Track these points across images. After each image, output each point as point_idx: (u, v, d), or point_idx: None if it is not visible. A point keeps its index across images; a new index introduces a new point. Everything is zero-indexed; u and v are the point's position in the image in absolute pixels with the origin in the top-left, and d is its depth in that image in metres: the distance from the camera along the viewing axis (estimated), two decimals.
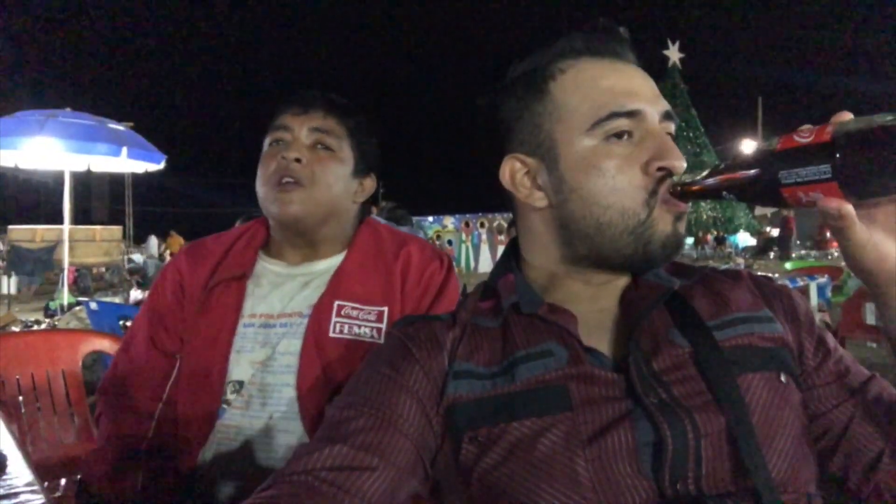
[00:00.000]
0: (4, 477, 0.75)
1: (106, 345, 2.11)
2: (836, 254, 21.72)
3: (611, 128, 0.72)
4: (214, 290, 1.19)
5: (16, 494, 0.70)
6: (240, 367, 1.14)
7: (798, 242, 27.78)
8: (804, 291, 4.81)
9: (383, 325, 1.17)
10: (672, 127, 0.75)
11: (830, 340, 0.78)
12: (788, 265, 7.55)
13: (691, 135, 28.92)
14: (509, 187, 0.79)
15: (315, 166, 1.17)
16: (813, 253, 23.63)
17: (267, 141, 1.22)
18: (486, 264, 18.06)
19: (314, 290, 1.20)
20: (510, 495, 0.64)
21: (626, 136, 0.73)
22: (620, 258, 0.75)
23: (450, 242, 17.54)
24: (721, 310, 0.75)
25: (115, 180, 24.01)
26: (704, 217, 28.34)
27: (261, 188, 1.20)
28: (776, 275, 6.01)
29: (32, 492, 0.71)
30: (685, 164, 0.72)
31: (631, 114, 0.73)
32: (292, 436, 1.09)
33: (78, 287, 10.05)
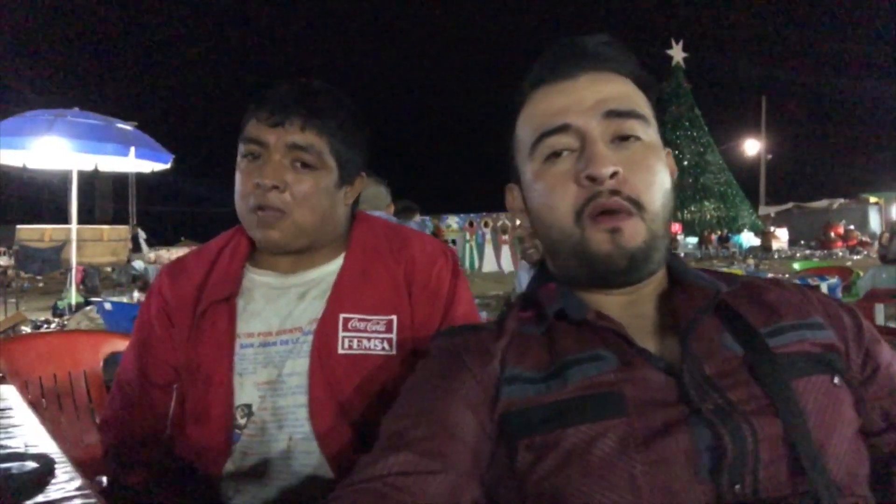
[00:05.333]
0: (54, 482, 0.74)
1: (125, 346, 2.11)
2: (840, 254, 21.71)
3: (544, 148, 0.77)
4: (205, 314, 1.09)
5: (69, 499, 0.69)
6: (244, 390, 1.07)
7: (802, 243, 27.76)
8: None
9: (393, 336, 1.08)
10: (624, 124, 0.75)
11: (885, 354, 0.77)
12: (797, 265, 7.51)
13: (695, 134, 28.99)
14: (511, 211, 0.89)
15: (295, 189, 1.05)
16: (817, 253, 23.60)
17: (240, 150, 1.09)
18: (490, 264, 18.09)
19: (312, 301, 1.11)
20: (568, 501, 0.64)
21: (565, 154, 0.76)
22: (583, 277, 0.78)
23: (454, 242, 17.53)
24: (770, 317, 0.75)
25: (119, 179, 24.12)
26: (708, 216, 28.38)
27: (238, 206, 1.10)
28: (786, 275, 5.98)
29: (84, 496, 0.70)
30: (606, 170, 0.71)
31: (559, 129, 0.76)
32: (312, 457, 1.04)
33: (85, 286, 10.07)
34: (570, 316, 0.75)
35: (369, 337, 1.08)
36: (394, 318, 1.09)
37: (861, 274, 6.23)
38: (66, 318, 6.54)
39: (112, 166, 6.69)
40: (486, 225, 19.57)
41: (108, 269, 13.98)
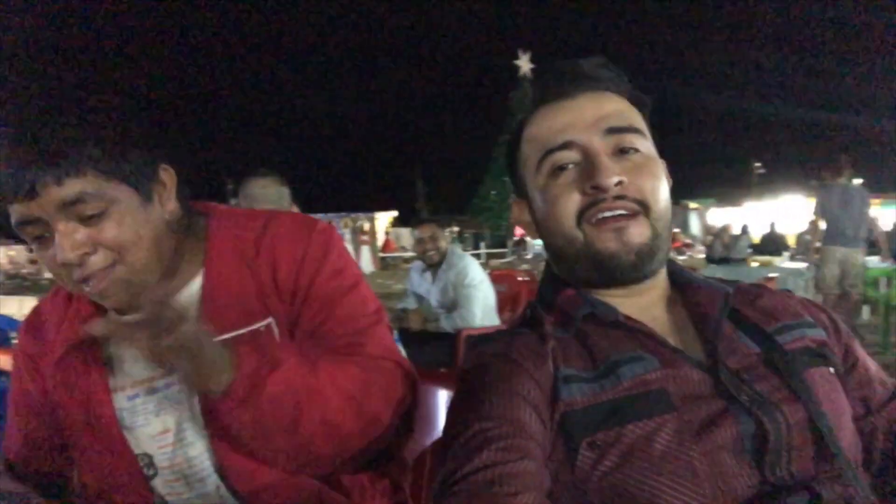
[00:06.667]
0: None
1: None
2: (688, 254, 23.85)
3: (550, 164, 0.83)
4: (68, 366, 0.97)
5: None
6: (140, 442, 0.97)
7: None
8: None
9: (276, 341, 0.96)
10: (623, 138, 0.81)
11: (859, 348, 0.87)
12: None
13: None
14: (518, 224, 0.93)
15: (104, 240, 0.86)
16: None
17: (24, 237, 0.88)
18: None
19: None
20: (632, 495, 0.67)
21: (570, 166, 0.81)
22: (591, 278, 0.83)
23: None
24: (771, 318, 0.82)
25: None
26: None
27: (64, 286, 0.92)
28: None
29: None
30: (611, 180, 0.77)
31: (563, 146, 0.82)
32: (239, 497, 0.95)
33: None
34: (602, 318, 0.80)
35: None
36: (270, 321, 0.96)
37: None
38: None
39: None
40: (345, 226, 19.35)
41: None
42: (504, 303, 3.77)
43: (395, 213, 28.06)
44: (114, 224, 0.87)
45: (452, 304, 3.45)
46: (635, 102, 0.87)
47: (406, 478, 1.15)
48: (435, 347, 3.21)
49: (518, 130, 0.90)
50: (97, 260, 0.86)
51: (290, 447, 0.89)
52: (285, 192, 2.48)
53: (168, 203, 0.95)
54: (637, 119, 0.85)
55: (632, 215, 0.78)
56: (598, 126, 0.81)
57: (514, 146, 0.91)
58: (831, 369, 0.79)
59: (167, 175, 0.96)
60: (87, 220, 0.85)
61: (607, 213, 0.78)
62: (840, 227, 5.20)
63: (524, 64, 31.59)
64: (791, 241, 11.24)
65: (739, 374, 0.74)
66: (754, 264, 7.26)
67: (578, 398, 0.73)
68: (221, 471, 0.95)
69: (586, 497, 0.69)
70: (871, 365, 0.86)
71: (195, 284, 0.98)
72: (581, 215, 0.80)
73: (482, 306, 3.42)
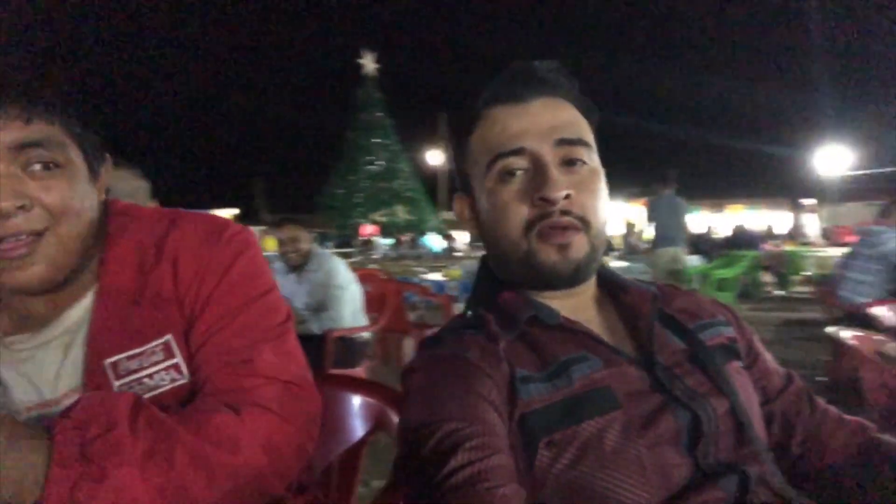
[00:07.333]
0: None
1: None
2: None
3: (499, 168, 0.83)
4: None
5: None
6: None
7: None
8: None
9: (177, 359, 0.87)
10: (573, 150, 0.83)
11: (758, 343, 0.94)
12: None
13: (387, 141, 30.83)
14: (460, 219, 0.93)
15: (47, 201, 0.78)
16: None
17: None
18: None
19: (81, 349, 0.86)
20: (587, 490, 0.70)
21: (519, 173, 0.83)
22: (529, 282, 0.86)
23: None
24: (690, 317, 0.89)
25: None
26: (400, 220, 30.51)
27: None
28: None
29: None
30: (560, 193, 0.80)
31: (515, 152, 0.82)
32: None
33: None
34: (544, 321, 0.82)
35: (149, 373, 0.85)
36: (169, 337, 0.86)
37: None
38: None
39: None
40: None
41: None
42: (371, 303, 3.74)
43: (235, 211, 26.70)
44: (64, 185, 0.80)
45: (320, 306, 3.36)
46: (584, 111, 0.89)
47: (312, 480, 1.08)
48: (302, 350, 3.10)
49: (467, 125, 0.89)
50: (30, 218, 0.77)
51: None
52: (144, 186, 2.26)
53: (101, 193, 0.90)
54: (586, 131, 0.87)
55: (574, 231, 0.81)
56: (550, 136, 0.83)
57: (462, 142, 0.91)
58: (741, 363, 0.87)
59: (106, 167, 0.91)
60: (35, 174, 0.78)
61: (554, 228, 0.81)
62: (668, 231, 5.92)
63: (368, 63, 31.57)
64: (617, 243, 12.35)
65: (671, 369, 0.80)
66: None
67: (536, 398, 0.75)
68: None
69: (543, 494, 0.71)
70: (767, 356, 0.93)
71: (86, 301, 0.88)
72: (529, 226, 0.82)
73: (351, 307, 3.38)
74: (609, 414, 0.73)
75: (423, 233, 30.52)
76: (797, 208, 15.95)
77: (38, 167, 0.78)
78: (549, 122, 0.84)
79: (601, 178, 0.86)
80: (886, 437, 0.85)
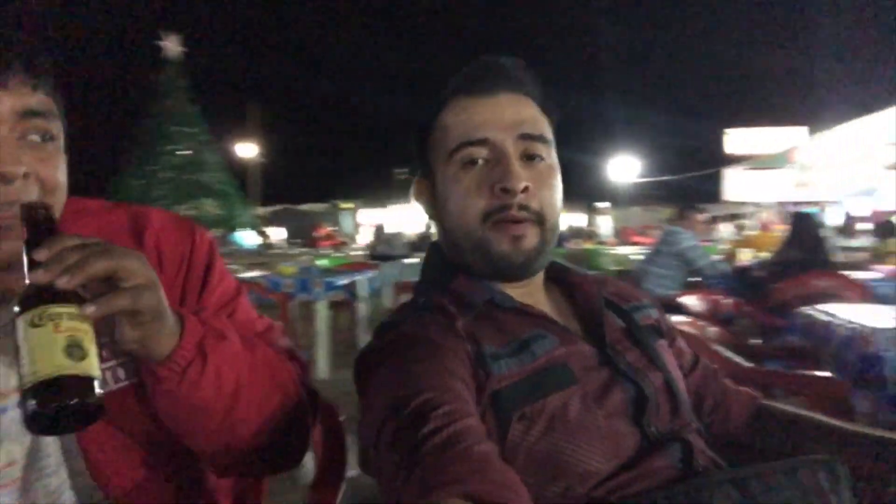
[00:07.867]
0: None
1: None
2: (330, 252, 24.66)
3: (462, 156, 0.89)
4: None
5: None
6: None
7: (299, 241, 30.53)
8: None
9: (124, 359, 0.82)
10: (533, 145, 0.89)
11: (673, 325, 1.06)
12: (326, 261, 8.10)
13: (193, 130, 28.38)
14: (418, 203, 0.98)
15: (45, 174, 0.75)
16: (307, 250, 26.28)
17: None
18: None
19: None
20: (554, 460, 0.77)
21: (480, 162, 0.88)
22: (482, 271, 0.91)
23: None
24: (623, 299, 1.00)
25: None
26: (208, 214, 28.33)
27: None
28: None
29: None
30: (520, 185, 0.85)
31: (479, 142, 0.88)
32: None
33: None
34: (501, 305, 0.88)
35: (112, 367, 0.80)
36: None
37: None
38: None
39: None
40: None
41: None
42: None
43: None
44: (56, 159, 0.78)
45: None
46: (545, 109, 0.94)
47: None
48: None
49: (431, 114, 0.94)
50: (27, 188, 0.73)
51: (218, 435, 0.78)
52: None
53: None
54: (546, 128, 0.93)
55: (529, 224, 0.87)
56: (513, 129, 0.88)
57: (426, 129, 0.95)
58: (665, 342, 0.98)
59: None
60: (32, 144, 0.75)
61: (509, 220, 0.86)
62: None
63: (172, 46, 28.98)
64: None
65: (614, 346, 0.88)
66: (415, 260, 8.04)
67: (506, 373, 0.79)
68: (92, 498, 0.79)
69: (514, 468, 0.70)
70: (681, 338, 1.05)
71: None
72: (486, 216, 0.86)
73: None
74: (568, 388, 0.80)
75: (233, 228, 28.83)
76: (592, 211, 17.86)
77: (36, 137, 0.75)
78: (513, 116, 0.89)
79: (558, 175, 0.92)
80: (771, 402, 1.04)
